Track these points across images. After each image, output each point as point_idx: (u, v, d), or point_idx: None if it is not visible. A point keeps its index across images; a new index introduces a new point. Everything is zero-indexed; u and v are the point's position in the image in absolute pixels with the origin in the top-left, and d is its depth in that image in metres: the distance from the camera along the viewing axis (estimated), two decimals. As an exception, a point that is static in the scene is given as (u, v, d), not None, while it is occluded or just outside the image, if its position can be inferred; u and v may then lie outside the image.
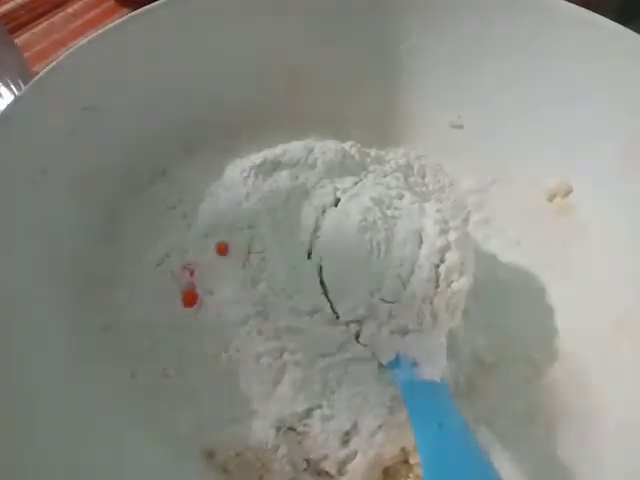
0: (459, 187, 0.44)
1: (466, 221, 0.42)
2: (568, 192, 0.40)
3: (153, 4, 0.38)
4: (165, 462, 0.32)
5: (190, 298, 0.34)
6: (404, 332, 0.31)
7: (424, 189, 0.44)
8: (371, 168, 0.41)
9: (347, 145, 0.41)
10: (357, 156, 0.41)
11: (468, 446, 0.24)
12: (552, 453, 0.31)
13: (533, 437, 0.32)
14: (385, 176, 0.41)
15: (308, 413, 0.32)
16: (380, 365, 0.32)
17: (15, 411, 0.29)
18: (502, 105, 0.42)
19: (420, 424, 0.25)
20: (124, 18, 0.37)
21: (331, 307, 0.33)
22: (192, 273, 0.35)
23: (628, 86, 0.36)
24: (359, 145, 0.42)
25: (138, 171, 0.40)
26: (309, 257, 0.36)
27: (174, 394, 0.33)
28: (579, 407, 0.32)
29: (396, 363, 0.30)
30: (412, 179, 0.44)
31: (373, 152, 0.43)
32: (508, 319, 0.37)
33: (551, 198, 0.40)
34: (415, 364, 0.29)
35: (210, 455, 0.32)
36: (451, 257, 0.33)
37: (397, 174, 0.42)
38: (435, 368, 0.29)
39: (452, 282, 0.32)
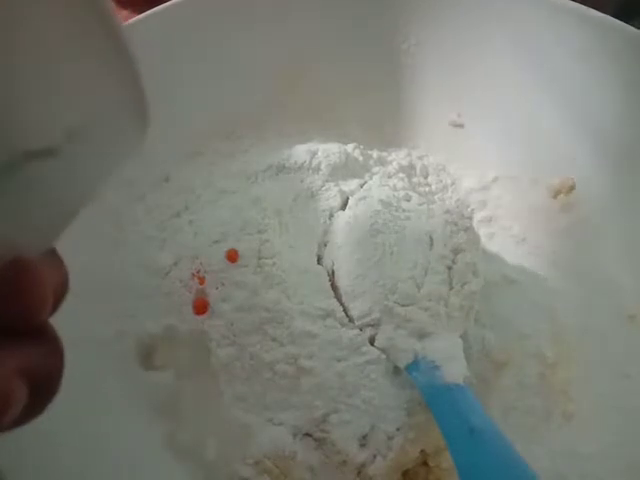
0: (461, 186, 0.44)
1: (470, 220, 0.42)
2: (571, 189, 0.40)
3: (154, 9, 0.37)
4: (182, 471, 0.32)
5: (201, 306, 0.34)
6: (420, 335, 0.31)
7: (427, 189, 0.44)
8: (374, 170, 0.41)
9: (350, 147, 0.41)
10: (360, 158, 0.41)
11: (503, 449, 0.24)
12: (569, 449, 0.31)
13: (550, 434, 0.32)
14: (389, 177, 0.41)
15: (325, 418, 0.32)
16: (395, 367, 0.32)
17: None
18: (502, 103, 0.43)
19: (450, 430, 0.25)
20: (124, 24, 0.37)
21: (344, 311, 0.33)
22: (202, 281, 0.34)
23: (630, 82, 0.36)
24: (362, 147, 0.42)
25: (141, 178, 0.39)
26: (319, 262, 0.36)
27: (189, 404, 0.33)
28: (595, 402, 0.32)
29: (415, 366, 0.30)
30: (415, 179, 0.44)
31: (375, 153, 0.43)
32: (517, 317, 0.37)
33: (555, 195, 0.41)
34: (436, 367, 0.29)
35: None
36: (463, 258, 0.33)
37: (401, 175, 0.42)
38: (458, 370, 0.29)
39: (466, 283, 0.32)
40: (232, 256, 0.34)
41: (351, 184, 0.39)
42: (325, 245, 0.36)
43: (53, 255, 0.14)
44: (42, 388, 0.14)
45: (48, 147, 0.11)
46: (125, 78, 0.12)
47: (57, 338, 0.15)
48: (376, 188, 0.37)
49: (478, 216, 0.43)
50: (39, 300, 0.13)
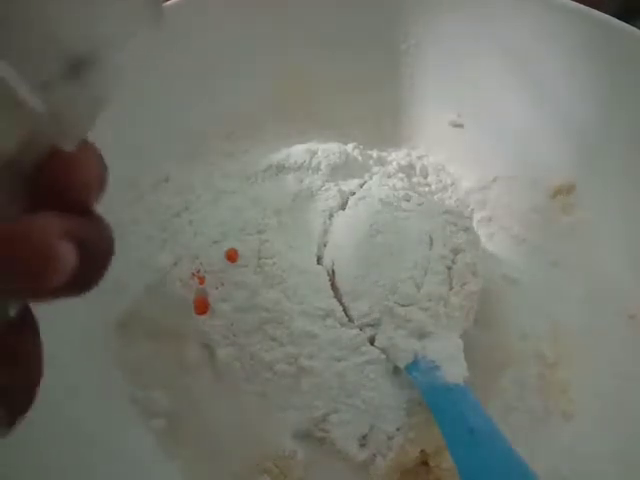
0: (461, 186, 0.44)
1: (470, 220, 0.42)
2: (571, 190, 0.40)
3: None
4: (181, 471, 0.32)
5: (201, 306, 0.34)
6: (420, 335, 0.31)
7: (427, 189, 0.44)
8: (374, 170, 0.41)
9: (350, 147, 0.41)
10: (360, 158, 0.41)
11: (503, 449, 0.24)
12: (569, 449, 0.31)
13: (550, 434, 0.32)
14: (389, 177, 0.41)
15: (325, 418, 0.32)
16: (395, 367, 0.32)
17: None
18: (502, 103, 0.42)
19: (450, 430, 0.25)
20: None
21: (344, 311, 0.33)
22: (202, 281, 0.34)
23: (631, 83, 0.36)
24: (361, 147, 0.42)
25: (141, 178, 0.39)
26: (318, 261, 0.36)
27: (188, 404, 0.33)
28: (595, 402, 0.32)
29: (415, 366, 0.30)
30: (415, 179, 0.44)
31: (375, 153, 0.43)
32: (517, 317, 0.37)
33: (554, 195, 0.41)
34: (436, 367, 0.29)
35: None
36: (463, 258, 0.33)
37: (400, 175, 0.42)
38: (458, 370, 0.29)
39: (465, 283, 0.32)
40: (232, 256, 0.34)
41: (351, 184, 0.39)
42: (325, 245, 0.36)
43: (89, 145, 0.15)
44: (92, 259, 0.14)
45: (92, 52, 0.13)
46: None
47: (106, 223, 0.15)
48: (376, 188, 0.37)
49: (478, 216, 0.43)
50: (86, 181, 0.14)
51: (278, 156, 0.39)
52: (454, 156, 0.45)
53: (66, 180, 0.14)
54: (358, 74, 0.44)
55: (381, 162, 0.43)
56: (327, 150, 0.40)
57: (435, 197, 0.43)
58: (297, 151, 0.39)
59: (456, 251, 0.33)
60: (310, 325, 0.33)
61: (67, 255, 0.13)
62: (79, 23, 0.13)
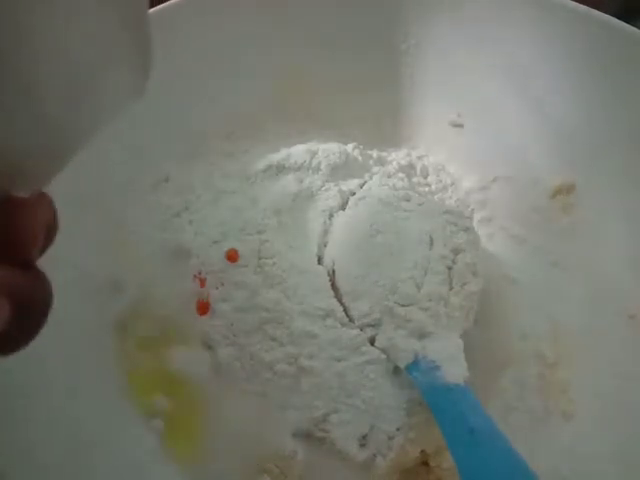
0: (461, 186, 0.44)
1: (470, 220, 0.42)
2: (571, 190, 0.40)
3: (154, 9, 0.37)
4: (180, 471, 0.32)
5: (201, 307, 0.34)
6: (421, 335, 0.31)
7: (427, 189, 0.44)
8: (374, 170, 0.41)
9: (350, 147, 0.41)
10: (360, 158, 0.41)
11: (503, 449, 0.24)
12: (569, 449, 0.31)
13: (550, 434, 0.32)
14: (389, 177, 0.41)
15: (325, 418, 0.32)
16: (395, 367, 0.32)
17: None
18: (502, 103, 0.42)
19: (450, 430, 0.26)
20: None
21: (344, 311, 0.33)
22: (203, 283, 0.34)
23: (631, 83, 0.36)
24: (361, 147, 0.42)
25: (141, 178, 0.39)
26: (319, 262, 0.36)
27: (187, 404, 0.33)
28: (595, 403, 0.32)
29: (415, 366, 0.30)
30: (415, 179, 0.44)
31: (375, 153, 0.43)
32: (517, 317, 0.37)
33: (554, 195, 0.41)
34: (437, 367, 0.29)
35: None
36: (463, 258, 0.33)
37: (400, 175, 0.42)
38: (458, 370, 0.29)
39: (466, 283, 0.32)
40: (232, 256, 0.34)
41: (351, 184, 0.39)
42: (325, 245, 0.36)
43: (42, 195, 0.15)
44: (27, 312, 0.14)
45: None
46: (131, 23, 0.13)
47: (45, 276, 0.15)
48: (376, 188, 0.37)
49: (478, 216, 0.43)
50: (30, 235, 0.14)
51: (278, 156, 0.39)
52: (454, 156, 0.45)
53: (10, 232, 0.14)
54: (358, 74, 0.44)
55: (381, 162, 0.43)
56: (327, 150, 0.40)
57: (435, 197, 0.43)
58: (297, 151, 0.39)
59: (456, 251, 0.33)
60: (310, 325, 0.33)
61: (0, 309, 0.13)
62: (55, 79, 0.12)
